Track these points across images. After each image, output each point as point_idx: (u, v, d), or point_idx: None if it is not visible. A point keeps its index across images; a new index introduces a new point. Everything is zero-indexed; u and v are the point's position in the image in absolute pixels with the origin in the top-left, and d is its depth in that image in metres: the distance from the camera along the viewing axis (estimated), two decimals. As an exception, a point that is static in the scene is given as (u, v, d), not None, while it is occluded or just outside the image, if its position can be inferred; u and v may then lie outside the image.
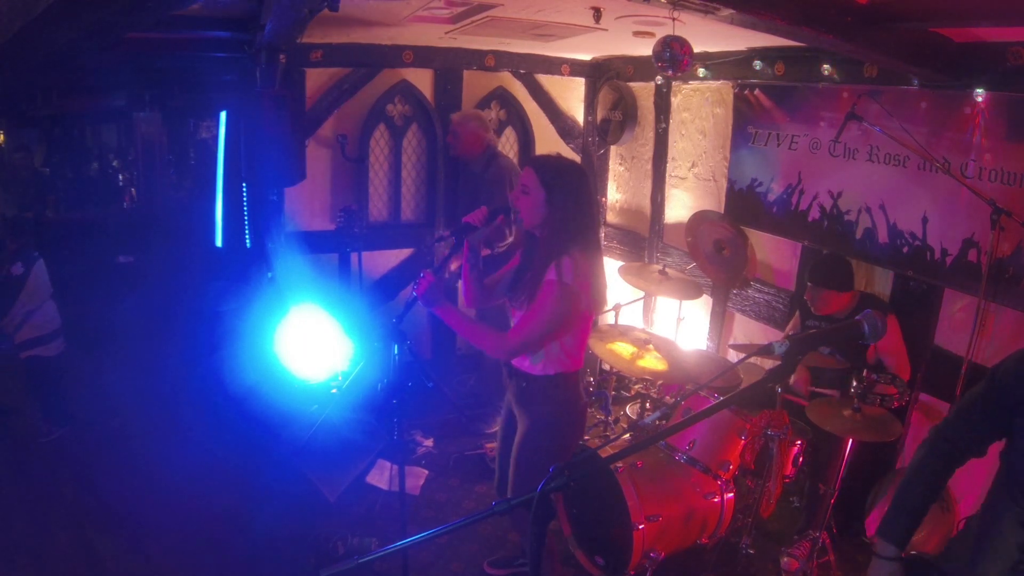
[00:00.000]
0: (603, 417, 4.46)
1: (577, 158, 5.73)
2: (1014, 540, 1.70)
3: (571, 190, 2.50)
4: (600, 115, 5.65)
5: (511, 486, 2.75)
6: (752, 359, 4.15)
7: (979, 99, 3.21)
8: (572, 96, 5.75)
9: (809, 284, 3.53)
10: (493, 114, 5.48)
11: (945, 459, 1.88)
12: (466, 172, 4.69)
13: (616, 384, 4.92)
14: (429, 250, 5.35)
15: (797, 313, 3.83)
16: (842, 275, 3.51)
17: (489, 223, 2.58)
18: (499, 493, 2.99)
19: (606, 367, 4.76)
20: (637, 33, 3.91)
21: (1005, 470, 1.77)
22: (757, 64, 4.25)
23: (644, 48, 3.63)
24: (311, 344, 3.96)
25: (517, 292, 2.60)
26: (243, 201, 4.77)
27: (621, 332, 3.95)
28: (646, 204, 5.44)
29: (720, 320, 4.87)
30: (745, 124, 4.48)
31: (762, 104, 4.34)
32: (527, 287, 2.54)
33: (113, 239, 7.34)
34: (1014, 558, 1.70)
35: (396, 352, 2.45)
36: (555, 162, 2.56)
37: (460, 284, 2.82)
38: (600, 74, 5.63)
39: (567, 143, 5.77)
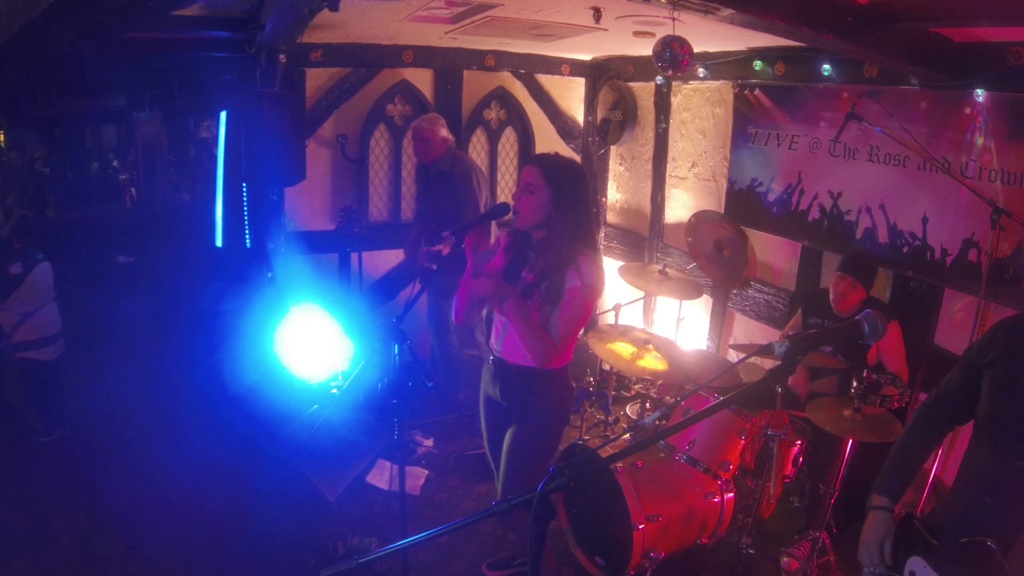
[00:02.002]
0: (603, 417, 4.46)
1: (577, 158, 5.74)
2: (980, 477, 1.88)
3: (576, 189, 2.50)
4: (600, 115, 5.65)
5: (505, 484, 2.73)
6: (752, 359, 4.15)
7: (979, 99, 3.21)
8: (572, 96, 5.75)
9: (839, 273, 3.52)
10: (493, 114, 5.49)
11: (934, 425, 2.08)
12: (426, 174, 4.62)
13: (616, 384, 4.91)
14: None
15: (799, 311, 3.83)
16: (871, 272, 3.55)
17: (458, 245, 2.52)
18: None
19: (606, 367, 4.76)
20: (637, 33, 3.91)
21: (976, 422, 1.94)
22: (757, 64, 4.25)
23: (644, 48, 3.63)
24: (311, 344, 3.96)
25: (523, 295, 2.54)
26: (243, 201, 4.77)
27: (621, 332, 3.95)
28: (646, 204, 5.45)
29: (720, 320, 4.87)
30: (745, 124, 4.48)
31: (762, 104, 4.34)
32: (548, 292, 2.49)
33: (113, 239, 7.34)
34: (981, 496, 1.85)
35: (396, 352, 2.44)
36: (559, 161, 2.55)
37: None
38: (600, 74, 5.63)
39: (567, 143, 5.77)
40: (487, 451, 2.95)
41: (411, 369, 2.62)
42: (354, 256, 4.66)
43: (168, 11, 3.47)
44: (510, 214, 2.58)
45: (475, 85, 5.29)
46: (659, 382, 4.11)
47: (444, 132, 4.41)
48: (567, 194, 2.46)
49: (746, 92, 4.43)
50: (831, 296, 3.57)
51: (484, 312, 2.92)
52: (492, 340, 2.74)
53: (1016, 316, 1.94)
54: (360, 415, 4.19)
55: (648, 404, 4.25)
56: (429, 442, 4.39)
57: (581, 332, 2.67)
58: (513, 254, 2.64)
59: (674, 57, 3.30)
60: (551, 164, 2.51)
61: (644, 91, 5.32)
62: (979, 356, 1.93)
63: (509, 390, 2.71)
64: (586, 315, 2.53)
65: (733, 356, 4.57)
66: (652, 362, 3.66)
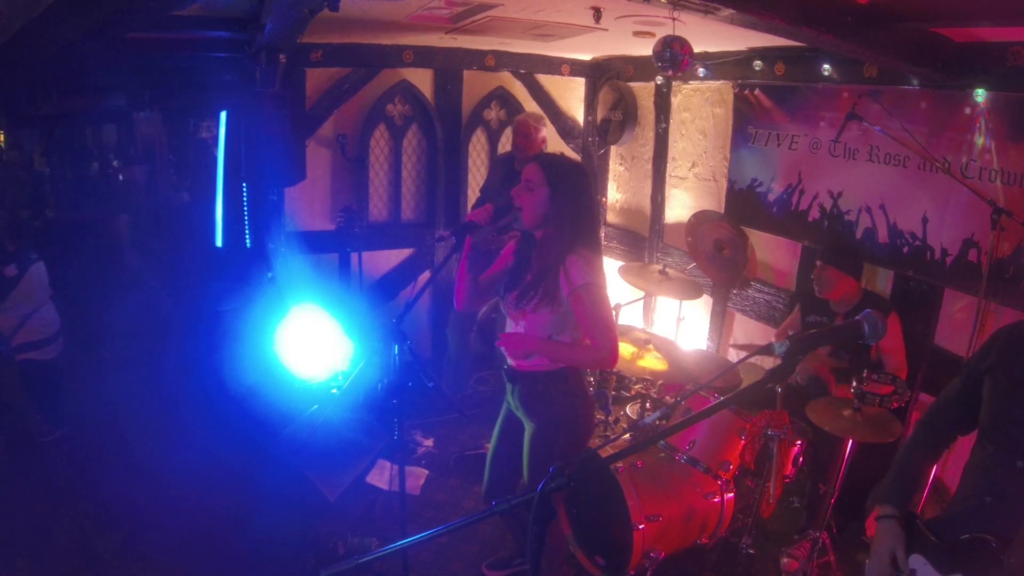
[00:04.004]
0: (603, 417, 4.45)
1: (578, 158, 5.73)
2: (981, 476, 1.90)
3: (575, 188, 2.51)
4: (600, 115, 5.64)
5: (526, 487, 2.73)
6: (752, 359, 4.14)
7: (979, 99, 3.21)
8: (572, 96, 5.75)
9: (818, 263, 3.54)
10: (493, 114, 5.49)
11: (936, 433, 2.10)
12: (507, 168, 4.66)
13: (616, 384, 4.91)
14: (429, 250, 5.35)
15: (797, 307, 3.83)
16: (850, 258, 3.54)
17: (495, 222, 2.56)
18: (488, 497, 2.95)
19: (606, 367, 4.76)
20: (637, 33, 3.91)
21: (979, 425, 1.96)
22: (757, 64, 4.25)
23: (644, 48, 3.63)
24: (311, 344, 3.96)
25: (523, 295, 2.55)
26: (243, 201, 4.77)
27: (621, 332, 3.94)
28: (646, 204, 5.44)
29: (720, 320, 4.87)
30: (745, 124, 4.48)
31: (762, 104, 4.34)
32: (538, 290, 2.50)
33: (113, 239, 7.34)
34: (982, 495, 1.87)
35: (396, 352, 2.45)
36: (560, 160, 2.58)
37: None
38: (600, 74, 5.63)
39: (567, 143, 5.77)
40: (488, 457, 2.95)
41: (411, 369, 2.62)
42: (354, 256, 4.66)
43: (168, 11, 3.46)
44: (509, 218, 2.58)
45: (475, 85, 5.29)
46: (659, 382, 4.11)
47: (544, 132, 4.62)
48: (565, 192, 2.48)
49: (746, 92, 4.43)
50: (815, 285, 3.57)
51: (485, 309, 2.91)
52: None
53: (1015, 323, 1.98)
54: (360, 415, 4.19)
55: (648, 404, 4.24)
56: (429, 442, 4.39)
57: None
58: (518, 257, 2.65)
59: (674, 57, 3.30)
60: (551, 162, 2.55)
61: (644, 91, 5.32)
62: (978, 362, 1.97)
63: (520, 396, 2.70)
64: (602, 311, 2.47)
65: (733, 356, 4.57)
66: (652, 362, 3.66)
